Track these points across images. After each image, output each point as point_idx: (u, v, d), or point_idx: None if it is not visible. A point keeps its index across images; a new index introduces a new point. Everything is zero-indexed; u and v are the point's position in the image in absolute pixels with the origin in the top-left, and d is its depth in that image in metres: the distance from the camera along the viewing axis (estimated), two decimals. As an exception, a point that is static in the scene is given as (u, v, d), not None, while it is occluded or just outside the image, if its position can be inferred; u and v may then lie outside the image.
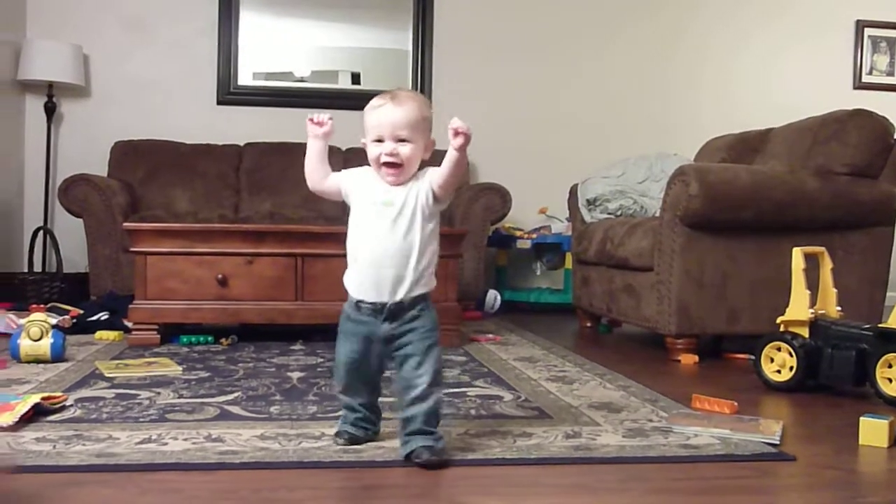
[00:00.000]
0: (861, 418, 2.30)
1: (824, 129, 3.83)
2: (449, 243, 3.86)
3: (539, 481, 1.88)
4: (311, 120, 2.04)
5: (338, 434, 2.02)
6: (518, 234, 5.67)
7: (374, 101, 1.93)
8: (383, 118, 1.89)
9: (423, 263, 1.93)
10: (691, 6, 6.12)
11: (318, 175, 2.04)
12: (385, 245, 1.89)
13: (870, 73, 6.16)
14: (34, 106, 5.62)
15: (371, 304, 1.93)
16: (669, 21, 6.10)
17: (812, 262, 3.12)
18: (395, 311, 1.91)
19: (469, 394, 2.76)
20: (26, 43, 5.42)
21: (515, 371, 3.25)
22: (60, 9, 5.63)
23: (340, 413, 2.09)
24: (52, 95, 5.51)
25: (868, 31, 6.14)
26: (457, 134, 1.84)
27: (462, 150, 1.85)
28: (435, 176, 1.93)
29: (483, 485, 1.84)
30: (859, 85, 6.13)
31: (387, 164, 1.89)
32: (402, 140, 1.89)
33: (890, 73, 6.17)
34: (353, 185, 2.00)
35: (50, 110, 5.51)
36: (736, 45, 6.13)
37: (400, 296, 1.90)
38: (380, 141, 1.90)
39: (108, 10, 5.67)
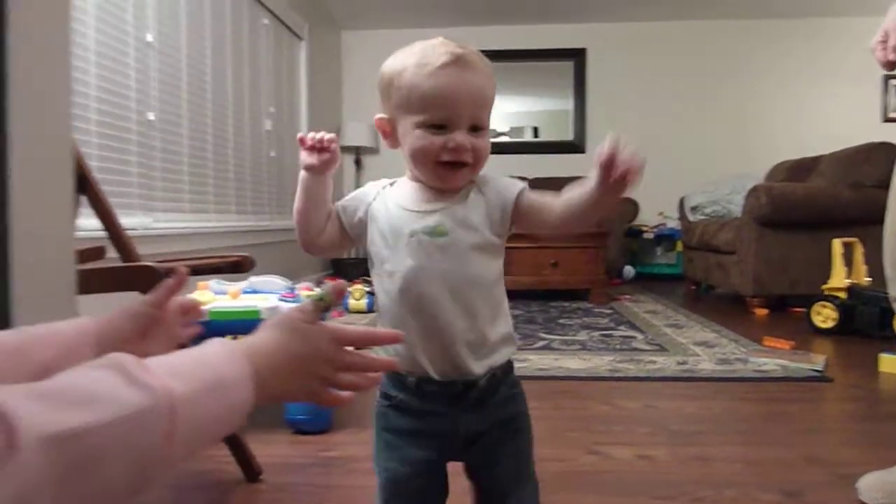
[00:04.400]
0: (880, 354, 2.23)
1: (857, 156, 3.59)
2: (597, 238, 3.92)
3: (660, 391, 1.97)
4: (303, 141, 0.78)
5: None
6: (644, 228, 5.58)
7: (423, 57, 0.74)
8: (457, 89, 0.73)
9: (506, 307, 0.80)
10: (765, 73, 5.76)
11: (316, 226, 0.82)
12: (454, 281, 0.75)
13: (894, 111, 5.66)
14: (348, 160, 6.01)
15: (445, 383, 0.76)
16: (750, 81, 5.78)
17: (850, 248, 2.98)
18: (485, 392, 0.77)
19: (614, 335, 2.84)
20: (343, 123, 5.87)
21: (644, 319, 3.28)
22: (360, 104, 6.03)
23: None
24: (358, 154, 5.93)
25: (892, 82, 5.64)
26: (616, 171, 0.73)
27: (618, 193, 0.74)
28: (547, 209, 0.77)
29: (625, 392, 1.95)
30: (886, 119, 5.63)
31: (449, 164, 0.75)
32: (477, 127, 0.76)
33: (907, 110, 5.66)
34: (371, 208, 0.81)
35: (357, 162, 5.92)
36: (799, 95, 5.72)
37: (487, 363, 0.76)
38: (441, 127, 0.74)
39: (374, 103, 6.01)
